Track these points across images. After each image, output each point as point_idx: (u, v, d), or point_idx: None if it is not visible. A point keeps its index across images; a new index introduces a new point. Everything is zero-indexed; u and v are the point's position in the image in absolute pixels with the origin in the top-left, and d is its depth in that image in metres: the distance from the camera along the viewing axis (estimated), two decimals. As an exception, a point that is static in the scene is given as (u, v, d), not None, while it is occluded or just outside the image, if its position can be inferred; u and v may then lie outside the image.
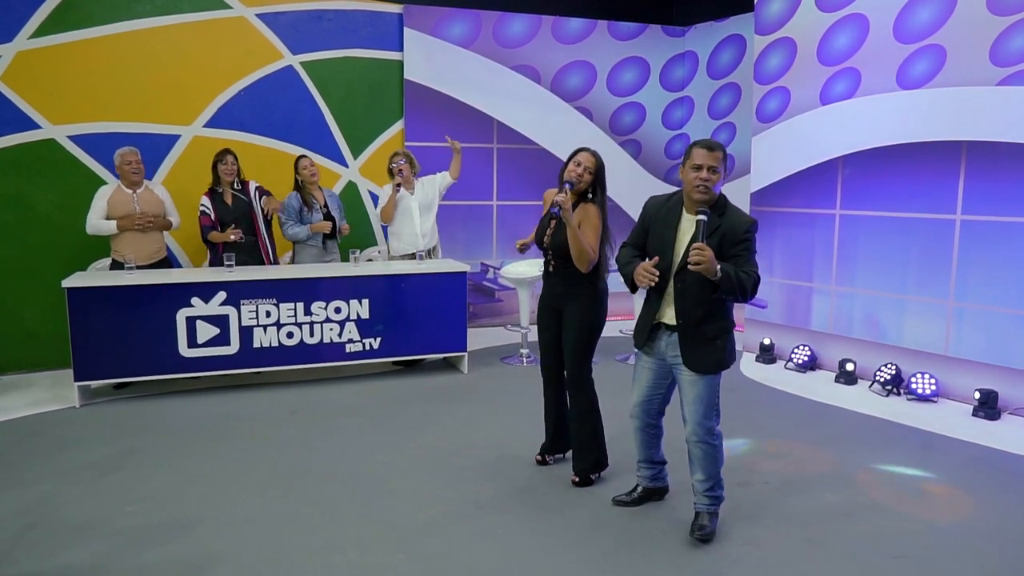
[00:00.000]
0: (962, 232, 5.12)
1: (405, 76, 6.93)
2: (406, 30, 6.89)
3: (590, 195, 3.67)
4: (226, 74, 6.33)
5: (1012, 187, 4.85)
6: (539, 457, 4.02)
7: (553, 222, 3.65)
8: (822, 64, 5.92)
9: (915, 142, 5.35)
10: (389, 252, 6.10)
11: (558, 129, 7.49)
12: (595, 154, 3.65)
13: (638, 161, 7.83)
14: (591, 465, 3.75)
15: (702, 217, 2.90)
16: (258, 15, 6.38)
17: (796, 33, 6.09)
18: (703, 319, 3.02)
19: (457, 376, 5.77)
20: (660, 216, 3.14)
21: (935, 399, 5.16)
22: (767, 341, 6.24)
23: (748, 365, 6.18)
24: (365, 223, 6.89)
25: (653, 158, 7.91)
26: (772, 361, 6.17)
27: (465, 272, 5.77)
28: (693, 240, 2.92)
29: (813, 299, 6.09)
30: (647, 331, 3.19)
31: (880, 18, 5.51)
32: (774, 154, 6.30)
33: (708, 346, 3.04)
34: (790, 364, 6.02)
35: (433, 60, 7.02)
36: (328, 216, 5.80)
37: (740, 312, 6.74)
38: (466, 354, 5.84)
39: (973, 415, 4.87)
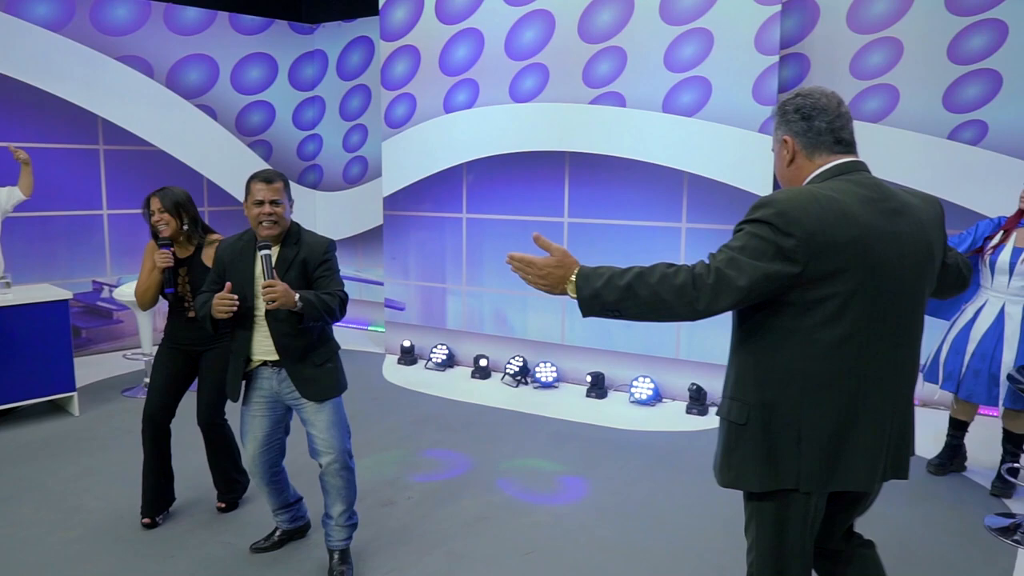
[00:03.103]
0: (570, 233, 5.72)
1: (-26, 63, 5.78)
2: (-30, 7, 5.73)
3: (186, 230, 3.52)
4: None
5: (607, 193, 5.53)
6: (147, 520, 3.54)
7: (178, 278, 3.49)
8: (444, 74, 6.16)
9: (527, 151, 5.84)
10: None
11: (177, 128, 6.85)
12: (164, 192, 3.54)
13: (269, 163, 7.47)
14: (240, 491, 3.78)
15: (265, 252, 2.83)
16: None
17: (419, 42, 6.25)
18: (308, 348, 2.96)
19: (67, 420, 4.97)
20: (234, 257, 3.00)
21: (557, 385, 5.72)
22: (407, 343, 6.39)
23: (390, 368, 6.28)
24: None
25: (285, 159, 7.62)
26: (413, 362, 6.35)
27: (67, 300, 4.96)
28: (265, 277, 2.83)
29: (447, 299, 6.37)
30: (241, 378, 3.03)
31: (493, 34, 5.88)
32: (404, 159, 6.44)
33: (321, 372, 2.99)
34: (430, 364, 6.24)
35: (14, 45, 5.94)
36: None
37: (380, 313, 6.82)
38: (75, 393, 5.05)
39: (587, 396, 5.50)
